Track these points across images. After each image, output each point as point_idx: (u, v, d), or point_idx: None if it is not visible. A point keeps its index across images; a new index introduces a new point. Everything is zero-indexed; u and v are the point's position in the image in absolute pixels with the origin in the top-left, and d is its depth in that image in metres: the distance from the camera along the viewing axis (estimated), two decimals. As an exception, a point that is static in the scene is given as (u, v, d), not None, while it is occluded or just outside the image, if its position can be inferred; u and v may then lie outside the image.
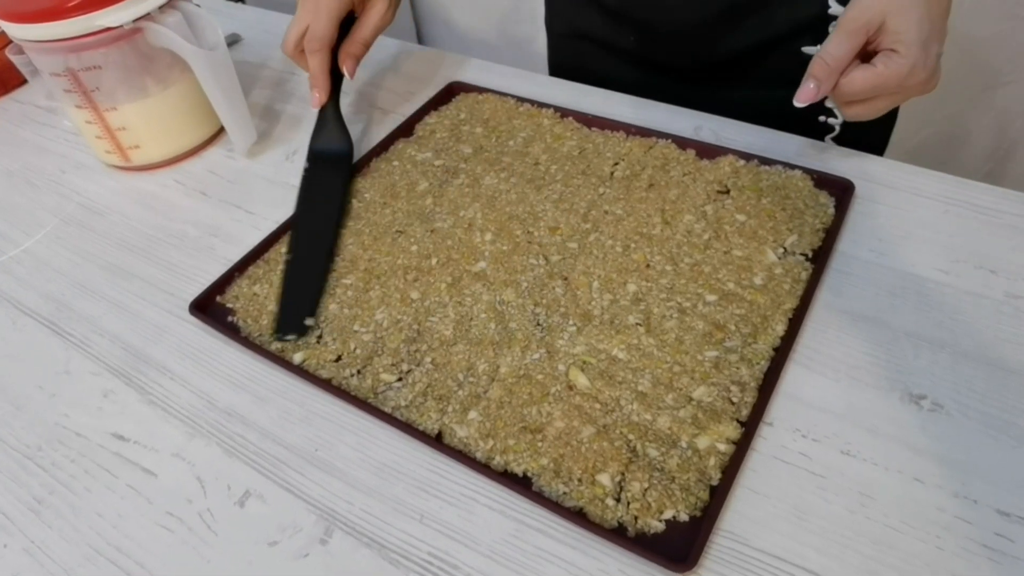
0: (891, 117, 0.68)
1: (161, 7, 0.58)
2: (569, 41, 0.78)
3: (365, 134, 0.66)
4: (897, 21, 0.47)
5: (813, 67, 0.50)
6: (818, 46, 0.59)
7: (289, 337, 0.48)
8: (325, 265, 0.52)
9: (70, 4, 0.54)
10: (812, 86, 0.50)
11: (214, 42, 0.60)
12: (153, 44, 0.59)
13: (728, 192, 0.54)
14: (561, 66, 0.81)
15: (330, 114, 0.62)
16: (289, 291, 0.51)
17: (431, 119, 0.66)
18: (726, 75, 0.69)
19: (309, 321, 0.48)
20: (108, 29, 0.56)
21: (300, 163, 0.65)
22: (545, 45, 0.84)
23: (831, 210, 0.52)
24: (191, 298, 0.52)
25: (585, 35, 0.75)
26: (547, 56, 0.83)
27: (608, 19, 0.71)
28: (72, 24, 0.55)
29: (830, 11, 0.58)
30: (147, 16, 0.57)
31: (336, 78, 0.63)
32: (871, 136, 0.68)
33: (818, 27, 0.59)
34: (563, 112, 0.64)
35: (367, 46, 0.63)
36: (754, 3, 0.63)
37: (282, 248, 0.55)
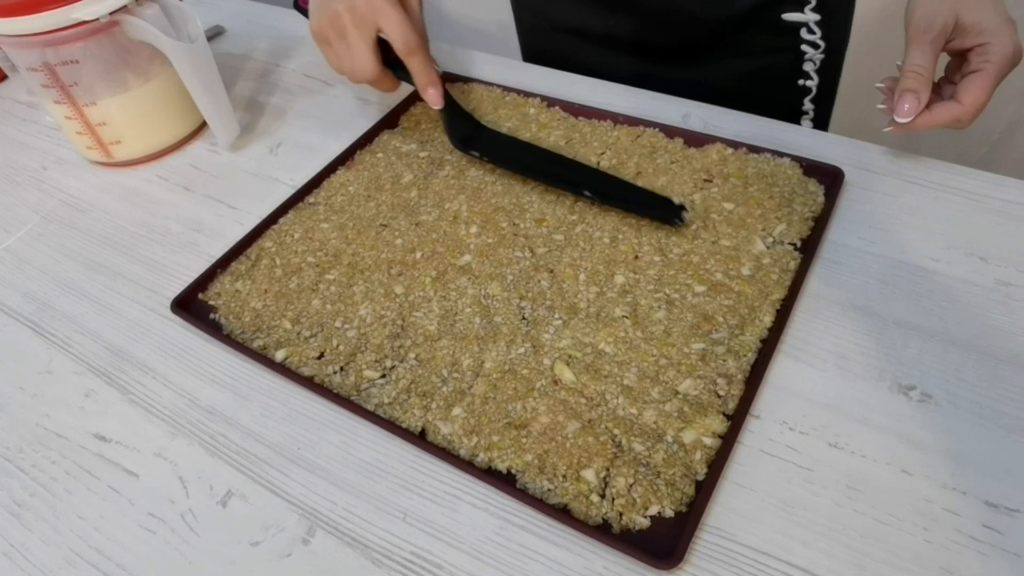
0: None
1: (138, -1, 0.57)
2: (541, 33, 0.77)
3: (349, 126, 0.66)
4: (973, 14, 0.47)
5: (907, 81, 0.49)
6: (798, 13, 0.61)
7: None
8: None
9: (44, -3, 0.53)
10: (912, 99, 0.48)
11: (194, 34, 0.59)
12: (131, 37, 0.58)
13: (712, 180, 0.54)
14: (535, 59, 0.80)
15: (452, 107, 0.59)
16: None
17: (416, 110, 0.65)
18: (706, 51, 0.68)
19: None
20: (84, 22, 0.55)
21: (284, 156, 0.64)
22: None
23: (820, 198, 0.51)
24: (174, 295, 0.51)
25: (557, 24, 0.74)
26: (520, 50, 0.82)
27: (579, 4, 0.70)
28: (47, 18, 0.54)
29: None
30: (124, 9, 0.56)
31: None
32: None
33: None
34: (549, 101, 0.63)
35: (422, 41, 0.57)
36: None
37: (267, 243, 0.54)
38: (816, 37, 0.63)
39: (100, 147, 0.64)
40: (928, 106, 0.49)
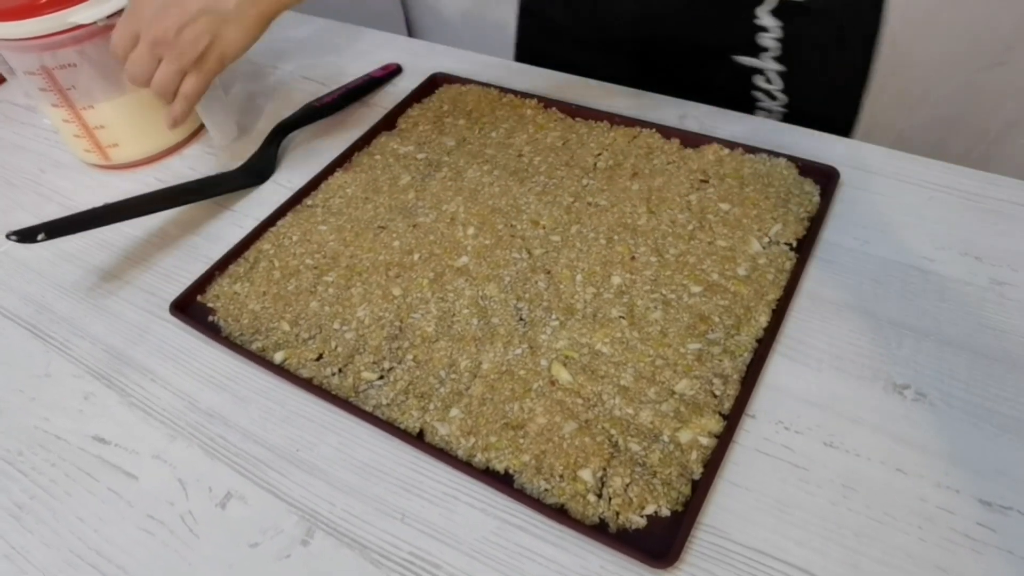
0: (852, 95, 0.66)
1: (135, 2, 0.57)
2: (534, 20, 0.77)
3: (347, 128, 0.66)
4: None
5: None
6: (750, 58, 0.58)
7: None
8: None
9: (42, 1, 0.54)
10: None
11: (191, 37, 0.59)
12: (129, 40, 0.58)
13: (708, 181, 0.54)
14: (526, 48, 0.79)
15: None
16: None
17: (414, 111, 0.66)
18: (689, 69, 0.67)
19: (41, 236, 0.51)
20: (81, 26, 0.55)
21: (282, 159, 0.64)
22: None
23: (816, 198, 0.52)
24: (172, 298, 0.51)
25: (548, 17, 0.74)
26: (515, 36, 0.81)
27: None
28: (44, 22, 0.54)
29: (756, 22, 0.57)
30: (120, 12, 0.56)
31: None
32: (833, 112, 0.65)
33: (753, 42, 0.59)
34: (546, 102, 0.64)
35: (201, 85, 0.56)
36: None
37: (265, 245, 0.55)
38: (775, 88, 0.60)
39: (98, 150, 0.64)
40: None
